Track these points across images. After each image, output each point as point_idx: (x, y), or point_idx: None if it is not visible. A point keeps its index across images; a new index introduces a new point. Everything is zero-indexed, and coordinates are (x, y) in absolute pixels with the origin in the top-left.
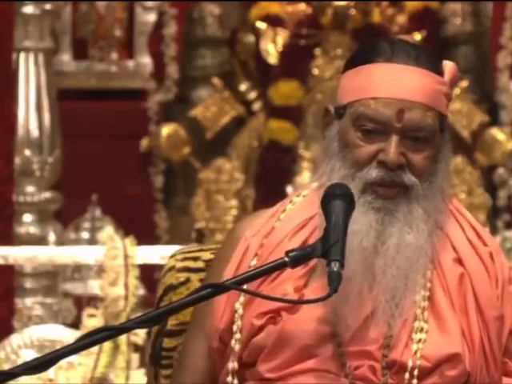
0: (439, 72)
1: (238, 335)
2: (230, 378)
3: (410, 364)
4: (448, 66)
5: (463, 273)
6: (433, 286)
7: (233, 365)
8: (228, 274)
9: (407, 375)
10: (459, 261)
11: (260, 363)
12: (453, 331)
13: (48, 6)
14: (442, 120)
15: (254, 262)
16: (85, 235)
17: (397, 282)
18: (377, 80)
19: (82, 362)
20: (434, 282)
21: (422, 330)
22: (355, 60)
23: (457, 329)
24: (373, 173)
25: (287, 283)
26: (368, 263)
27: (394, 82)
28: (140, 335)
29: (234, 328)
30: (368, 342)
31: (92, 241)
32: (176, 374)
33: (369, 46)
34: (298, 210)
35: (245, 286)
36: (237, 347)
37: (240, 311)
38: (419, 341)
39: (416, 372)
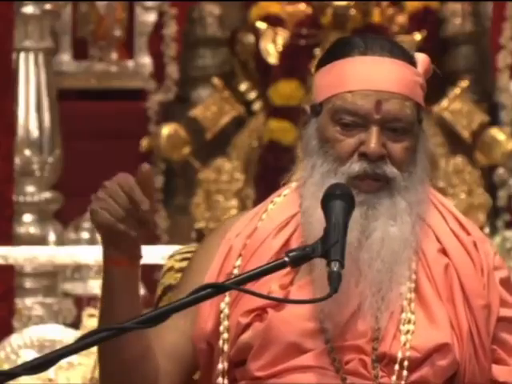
0: (413, 64)
1: (225, 335)
2: (220, 379)
3: (399, 355)
4: (421, 57)
5: (448, 263)
6: (418, 278)
7: (223, 365)
8: (211, 274)
9: (397, 366)
10: (444, 251)
11: (249, 362)
12: (441, 321)
13: (48, 6)
14: (419, 110)
15: (238, 263)
16: (85, 235)
17: (382, 276)
18: (352, 73)
19: (82, 362)
20: (420, 274)
21: (409, 321)
22: (328, 57)
23: (445, 319)
24: (355, 166)
25: (272, 281)
26: (353, 258)
27: (369, 74)
28: None
29: (221, 328)
30: (356, 336)
31: (92, 241)
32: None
33: (341, 42)
34: (280, 210)
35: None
36: (225, 347)
37: (226, 311)
38: (407, 332)
39: (406, 363)
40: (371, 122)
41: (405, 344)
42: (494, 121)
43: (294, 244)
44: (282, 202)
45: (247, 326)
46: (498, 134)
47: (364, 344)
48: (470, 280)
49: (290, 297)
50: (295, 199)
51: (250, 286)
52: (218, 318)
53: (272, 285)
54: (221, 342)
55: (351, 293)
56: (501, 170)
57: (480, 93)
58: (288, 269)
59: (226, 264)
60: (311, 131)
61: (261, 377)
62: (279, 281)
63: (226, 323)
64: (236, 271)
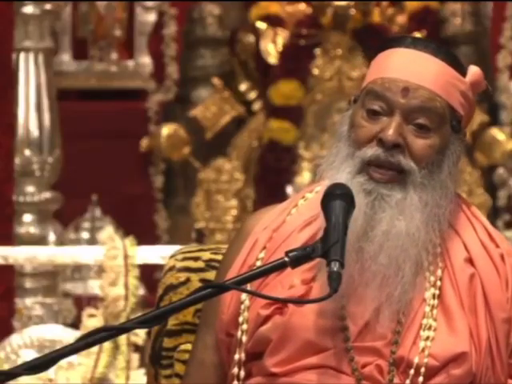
0: (459, 70)
1: (244, 326)
2: (236, 370)
3: (416, 361)
4: (472, 69)
5: (474, 273)
6: (443, 285)
7: (240, 356)
8: (235, 267)
9: (412, 371)
10: (470, 261)
11: (266, 357)
12: (461, 330)
13: (48, 6)
14: (453, 114)
15: (261, 255)
16: (85, 235)
17: (387, 270)
18: (391, 61)
19: (82, 362)
20: (445, 281)
21: (430, 327)
22: (376, 52)
23: (465, 328)
24: (370, 151)
25: (295, 275)
26: (358, 247)
27: (406, 64)
28: (140, 335)
29: (241, 319)
30: (375, 338)
31: (92, 241)
32: (187, 368)
33: (391, 37)
34: (309, 206)
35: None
36: (244, 338)
37: (246, 302)
38: (427, 338)
39: (423, 370)
40: (396, 107)
41: (423, 350)
42: (494, 121)
43: None
44: (313, 198)
45: (267, 319)
46: (498, 133)
47: (382, 347)
48: (494, 292)
49: (312, 292)
50: None
51: (272, 279)
52: (238, 308)
53: (294, 279)
54: (239, 332)
55: (358, 282)
56: (501, 170)
57: (480, 93)
58: (312, 263)
59: (250, 256)
60: (346, 117)
61: (277, 373)
62: (302, 275)
63: (245, 314)
64: (259, 263)
